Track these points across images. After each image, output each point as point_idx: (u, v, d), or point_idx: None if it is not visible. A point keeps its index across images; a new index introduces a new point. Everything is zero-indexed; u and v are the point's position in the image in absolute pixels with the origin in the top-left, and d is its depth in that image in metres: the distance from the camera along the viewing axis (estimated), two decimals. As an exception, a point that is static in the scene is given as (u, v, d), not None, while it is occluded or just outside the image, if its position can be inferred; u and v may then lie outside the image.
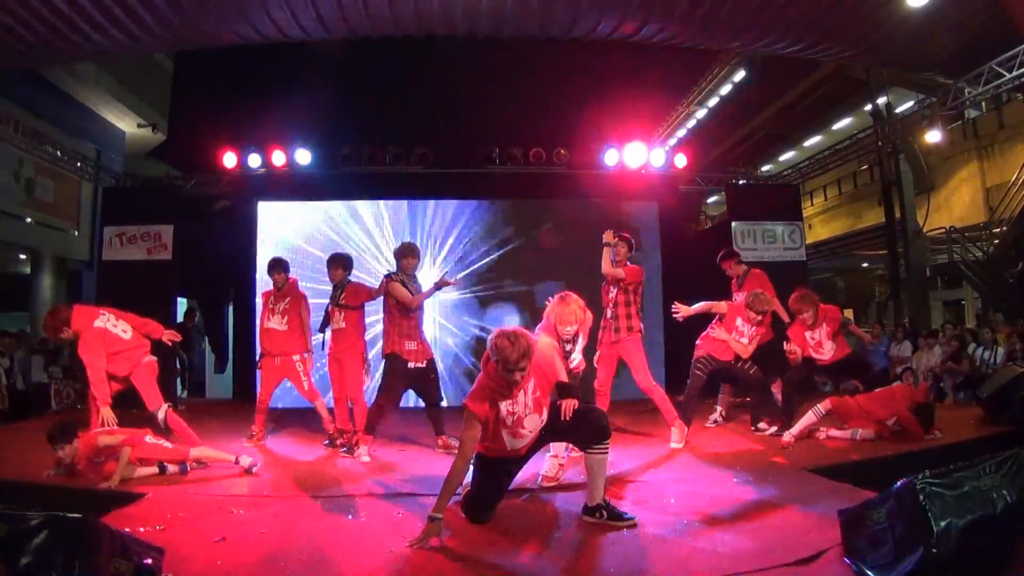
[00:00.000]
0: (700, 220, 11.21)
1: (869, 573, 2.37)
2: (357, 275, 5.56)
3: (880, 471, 3.83)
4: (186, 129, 11.47)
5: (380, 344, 4.99)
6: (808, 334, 5.29)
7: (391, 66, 11.50)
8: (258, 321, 5.49)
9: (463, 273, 8.18)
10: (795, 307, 5.29)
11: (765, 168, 16.19)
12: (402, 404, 5.38)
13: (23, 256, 11.79)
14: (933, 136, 8.40)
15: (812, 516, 3.08)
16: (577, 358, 4.19)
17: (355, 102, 11.65)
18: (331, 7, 6.34)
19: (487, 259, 8.36)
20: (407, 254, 4.90)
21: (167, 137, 13.14)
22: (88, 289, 11.38)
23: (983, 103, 10.68)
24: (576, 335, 4.10)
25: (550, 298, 4.11)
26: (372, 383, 5.41)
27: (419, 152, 8.50)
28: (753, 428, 5.37)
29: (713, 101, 15.03)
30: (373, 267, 7.90)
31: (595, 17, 6.73)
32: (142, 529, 2.94)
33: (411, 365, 4.80)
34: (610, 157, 8.42)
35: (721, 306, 5.17)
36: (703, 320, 5.28)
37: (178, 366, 8.74)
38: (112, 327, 4.45)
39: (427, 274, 7.52)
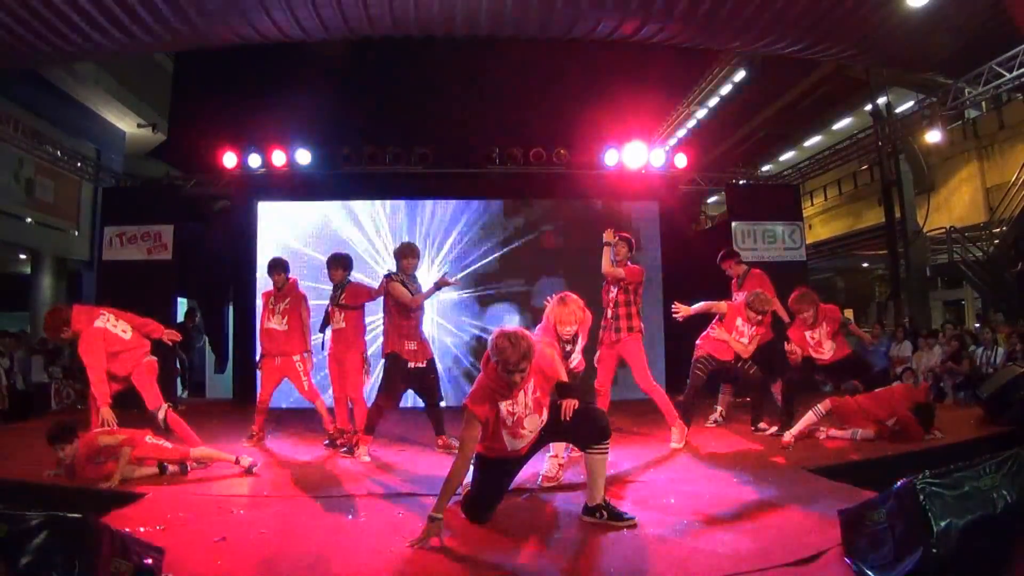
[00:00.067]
0: (700, 220, 11.17)
1: (869, 573, 2.37)
2: (357, 275, 5.56)
3: (880, 471, 3.82)
4: (186, 129, 11.44)
5: (380, 344, 4.99)
6: (808, 334, 5.29)
7: (391, 66, 11.49)
8: (258, 321, 5.50)
9: (462, 273, 8.18)
10: (795, 307, 5.29)
11: (765, 168, 16.16)
12: (402, 404, 5.40)
13: (23, 256, 11.78)
14: (933, 136, 8.40)
15: (812, 516, 3.08)
16: (577, 358, 4.18)
17: (355, 102, 11.65)
18: (331, 7, 6.34)
19: (486, 259, 8.36)
20: (407, 254, 4.90)
21: (167, 137, 13.13)
22: (88, 289, 11.36)
23: (983, 103, 10.66)
24: (576, 335, 4.09)
25: (549, 298, 4.10)
26: (372, 383, 5.41)
27: (419, 152, 8.50)
28: (753, 428, 5.38)
29: (713, 101, 14.99)
30: (373, 267, 7.90)
31: (595, 17, 6.74)
32: (142, 529, 2.94)
33: (411, 365, 4.79)
34: (610, 157, 8.42)
35: (721, 306, 5.18)
36: (703, 320, 5.28)
37: (178, 366, 8.75)
38: (112, 327, 4.45)
39: (427, 274, 7.51)
